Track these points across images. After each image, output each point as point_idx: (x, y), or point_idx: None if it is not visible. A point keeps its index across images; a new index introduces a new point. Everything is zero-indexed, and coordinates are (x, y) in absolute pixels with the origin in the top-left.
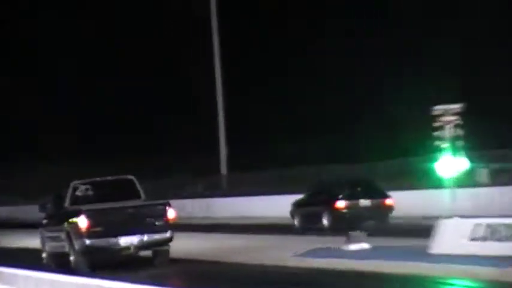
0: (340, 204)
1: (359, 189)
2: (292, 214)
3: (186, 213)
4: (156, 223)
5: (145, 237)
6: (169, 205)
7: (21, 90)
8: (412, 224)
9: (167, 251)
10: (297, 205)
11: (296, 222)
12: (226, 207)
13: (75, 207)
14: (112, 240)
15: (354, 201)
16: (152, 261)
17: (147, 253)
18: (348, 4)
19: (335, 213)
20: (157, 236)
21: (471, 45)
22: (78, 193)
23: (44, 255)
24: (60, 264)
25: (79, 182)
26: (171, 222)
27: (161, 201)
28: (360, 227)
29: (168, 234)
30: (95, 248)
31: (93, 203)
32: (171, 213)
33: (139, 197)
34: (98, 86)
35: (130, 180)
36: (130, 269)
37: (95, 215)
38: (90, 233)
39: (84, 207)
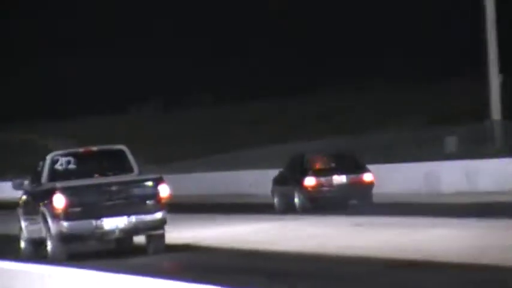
0: (309, 181)
1: (333, 163)
2: (272, 192)
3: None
4: (147, 202)
5: (134, 219)
6: (162, 181)
7: None
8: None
9: (162, 236)
10: (274, 182)
11: (275, 202)
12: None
13: (52, 184)
14: (94, 222)
15: (326, 178)
16: (146, 249)
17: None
18: None
19: (304, 193)
20: (147, 218)
21: None
22: (57, 167)
23: (22, 243)
24: (39, 253)
25: (59, 153)
26: (163, 201)
27: (152, 176)
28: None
29: (159, 216)
30: (74, 232)
31: (75, 179)
32: (163, 191)
33: (131, 170)
34: None
35: (121, 150)
36: (118, 258)
37: (74, 192)
38: (68, 215)
39: (60, 184)
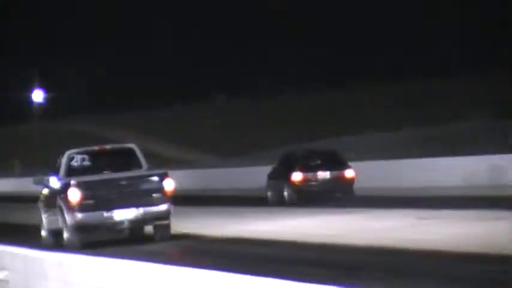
0: (296, 177)
1: (318, 161)
2: (267, 187)
3: None
4: (153, 195)
5: (141, 211)
6: (167, 175)
7: None
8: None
9: (168, 226)
10: (268, 177)
11: (268, 195)
12: None
13: (68, 179)
14: (105, 214)
15: (311, 174)
16: (154, 237)
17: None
18: None
19: (292, 187)
20: (153, 210)
21: None
22: (73, 163)
23: (42, 232)
24: (58, 242)
25: (75, 151)
26: (168, 194)
27: (158, 172)
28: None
29: (165, 208)
30: (87, 223)
31: (89, 174)
32: (168, 185)
33: (140, 167)
34: None
35: (130, 149)
36: (128, 245)
37: (87, 187)
38: (81, 207)
39: (74, 179)
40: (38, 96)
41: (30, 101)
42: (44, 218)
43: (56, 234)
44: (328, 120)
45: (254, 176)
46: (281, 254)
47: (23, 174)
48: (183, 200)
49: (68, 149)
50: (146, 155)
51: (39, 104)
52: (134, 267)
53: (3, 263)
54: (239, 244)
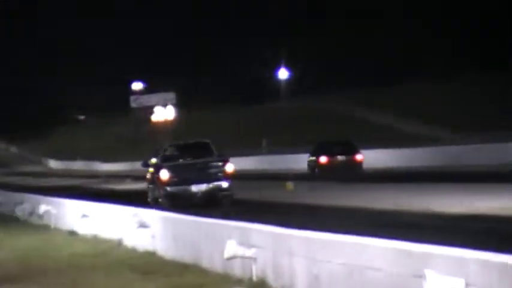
0: (322, 159)
1: (339, 147)
2: (307, 166)
3: None
4: (218, 174)
5: (210, 185)
6: (228, 161)
7: None
8: None
9: (231, 195)
10: (308, 159)
11: (309, 171)
12: None
13: (162, 163)
14: (186, 187)
15: (333, 157)
16: (221, 203)
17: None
18: None
19: (320, 166)
20: (217, 184)
21: None
22: (167, 153)
23: (149, 199)
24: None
25: (168, 144)
26: (228, 174)
27: (221, 158)
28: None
29: (226, 183)
30: (173, 193)
31: (177, 160)
32: (229, 167)
33: (212, 155)
34: None
35: (207, 142)
36: (202, 208)
37: (174, 169)
38: (169, 183)
39: (165, 164)
40: (283, 74)
41: (276, 80)
42: (149, 190)
43: (156, 200)
44: None
45: (489, 153)
46: None
47: (270, 152)
48: (430, 177)
49: (315, 127)
50: (385, 132)
51: (285, 82)
52: (389, 246)
53: (251, 240)
54: (479, 221)
